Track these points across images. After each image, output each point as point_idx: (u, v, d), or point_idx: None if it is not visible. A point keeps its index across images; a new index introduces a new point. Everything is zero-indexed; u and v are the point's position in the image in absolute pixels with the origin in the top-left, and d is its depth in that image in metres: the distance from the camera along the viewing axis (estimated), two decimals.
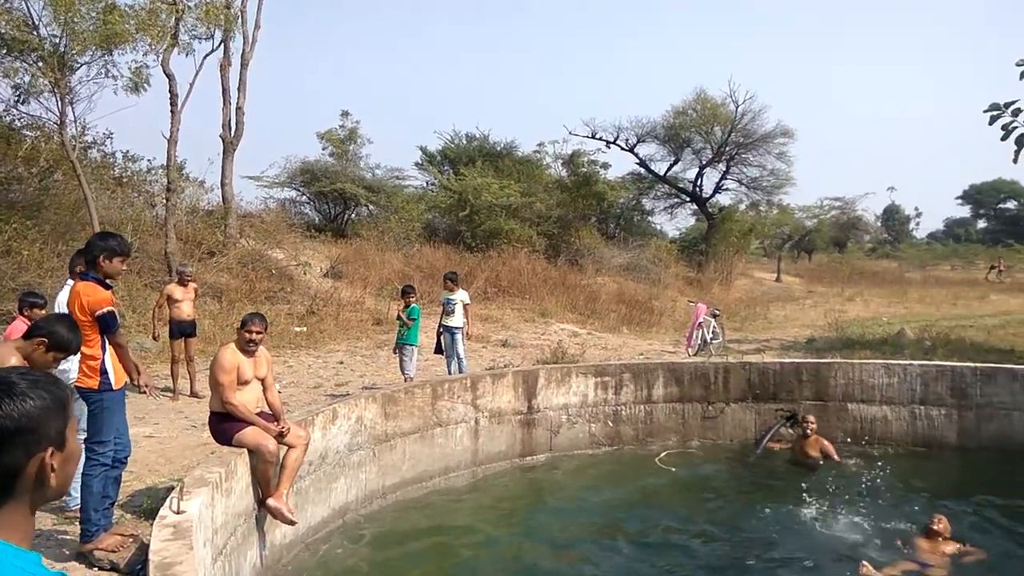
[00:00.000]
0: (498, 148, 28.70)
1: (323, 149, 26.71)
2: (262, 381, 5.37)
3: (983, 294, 28.77)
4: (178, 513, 3.90)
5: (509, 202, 24.14)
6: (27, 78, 12.34)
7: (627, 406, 8.59)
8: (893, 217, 74.87)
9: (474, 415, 7.69)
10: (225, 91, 16.98)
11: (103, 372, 4.56)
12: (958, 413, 8.36)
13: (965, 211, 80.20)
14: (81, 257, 5.05)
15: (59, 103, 12.28)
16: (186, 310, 9.19)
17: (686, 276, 28.74)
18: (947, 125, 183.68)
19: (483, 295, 18.24)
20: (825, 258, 49.34)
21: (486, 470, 7.68)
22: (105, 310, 4.50)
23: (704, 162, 32.16)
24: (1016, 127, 9.60)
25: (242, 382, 5.16)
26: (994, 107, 9.57)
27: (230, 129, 17.18)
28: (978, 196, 74.80)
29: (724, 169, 32.19)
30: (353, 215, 24.42)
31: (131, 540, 4.57)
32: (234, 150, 17.36)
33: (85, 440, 4.74)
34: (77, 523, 4.62)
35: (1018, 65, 9.68)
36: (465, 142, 29.35)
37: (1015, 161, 9.75)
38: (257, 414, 5.20)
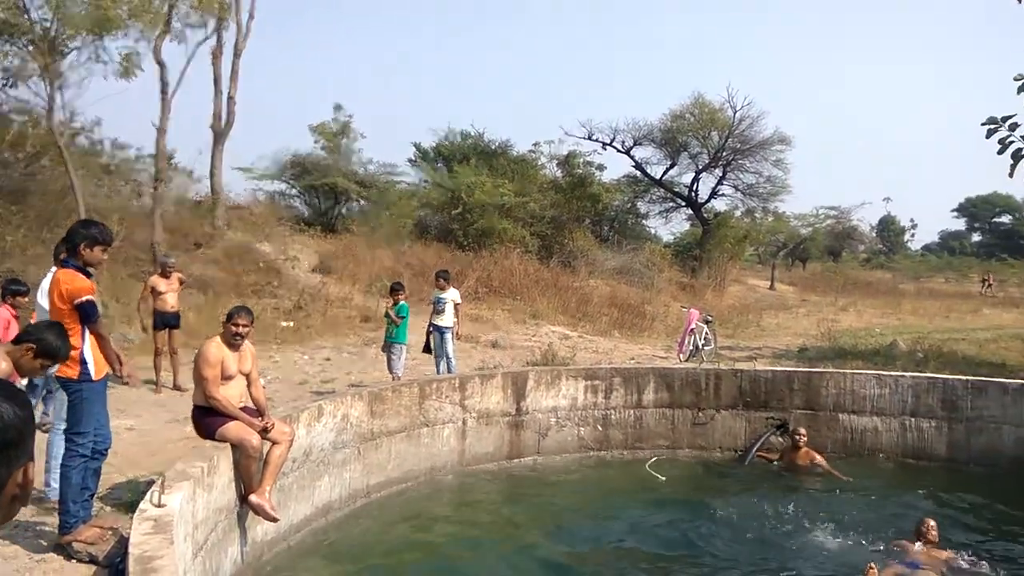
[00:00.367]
0: (493, 147, 28.61)
1: (315, 142, 26.50)
2: (247, 376, 5.28)
3: (976, 307, 28.87)
4: (159, 507, 3.86)
5: (503, 201, 24.04)
6: (16, 62, 12.18)
7: (617, 410, 8.52)
8: (888, 228, 75.18)
9: (462, 416, 7.61)
10: (217, 80, 16.85)
11: (83, 362, 4.52)
12: (948, 426, 8.34)
13: (960, 224, 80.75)
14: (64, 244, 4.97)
15: (48, 88, 12.13)
16: (170, 301, 9.06)
17: (679, 281, 28.71)
18: (944, 138, 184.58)
19: (474, 295, 18.13)
20: (819, 267, 49.51)
21: (473, 471, 7.60)
22: (84, 299, 4.45)
23: (700, 167, 32.17)
24: (1013, 141, 9.58)
25: (226, 377, 5.09)
26: (991, 121, 9.56)
27: (221, 119, 17.04)
28: (973, 209, 75.27)
29: (720, 174, 32.21)
30: (344, 210, 24.24)
31: (111, 533, 4.53)
32: (224, 140, 17.22)
33: (65, 431, 4.67)
34: (56, 514, 4.55)
35: (1016, 80, 9.69)
36: (460, 140, 29.25)
37: (1011, 175, 9.74)
38: (241, 409, 5.11)
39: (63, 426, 4.77)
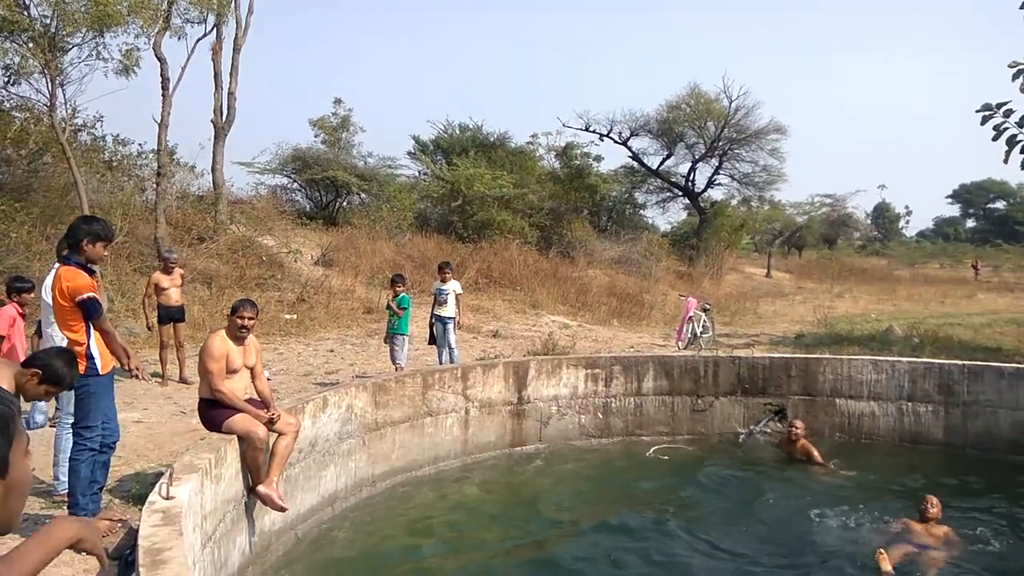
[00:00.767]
0: (491, 139, 28.63)
1: (315, 136, 26.64)
2: (251, 370, 5.34)
3: (971, 292, 28.98)
4: (167, 499, 3.87)
5: (501, 193, 24.10)
6: (17, 59, 12.20)
7: (617, 398, 8.61)
8: (883, 215, 75.21)
9: (464, 405, 7.70)
10: (217, 75, 16.88)
11: (89, 357, 4.56)
12: (945, 410, 8.41)
13: (955, 210, 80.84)
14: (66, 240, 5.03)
15: (49, 85, 12.16)
16: (174, 296, 9.15)
17: (677, 270, 28.80)
18: (939, 124, 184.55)
19: (474, 286, 18.23)
20: (815, 254, 49.59)
21: (476, 460, 7.69)
22: (86, 296, 4.49)
23: (697, 157, 32.22)
24: (1007, 128, 9.64)
25: (231, 370, 5.11)
26: (986, 107, 9.61)
27: (221, 114, 17.08)
28: (968, 195, 75.30)
29: (717, 164, 32.26)
30: (345, 203, 24.34)
31: (120, 525, 4.58)
32: (225, 135, 17.26)
33: (72, 425, 4.74)
34: (65, 508, 4.61)
35: (1010, 67, 9.73)
36: (458, 132, 29.26)
37: (1006, 161, 9.81)
38: (246, 401, 5.18)
39: (71, 420, 4.83)
